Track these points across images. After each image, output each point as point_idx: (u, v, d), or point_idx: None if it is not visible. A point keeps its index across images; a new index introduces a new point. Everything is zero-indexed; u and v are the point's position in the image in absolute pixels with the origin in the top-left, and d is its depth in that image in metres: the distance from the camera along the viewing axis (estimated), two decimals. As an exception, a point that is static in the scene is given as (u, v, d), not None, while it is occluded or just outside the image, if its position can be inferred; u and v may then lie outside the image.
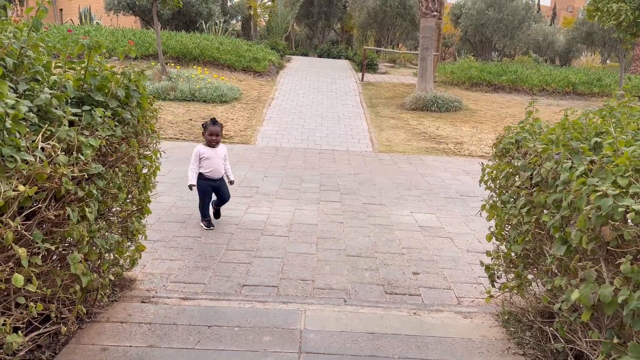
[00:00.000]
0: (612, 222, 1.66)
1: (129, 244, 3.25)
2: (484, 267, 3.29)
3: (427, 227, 5.06)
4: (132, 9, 23.76)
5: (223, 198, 4.69)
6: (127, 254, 3.25)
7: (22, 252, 1.80)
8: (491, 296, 3.03)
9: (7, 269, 1.75)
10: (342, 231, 4.79)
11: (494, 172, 3.05)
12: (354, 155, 8.75)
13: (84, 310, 2.54)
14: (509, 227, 2.82)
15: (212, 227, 4.57)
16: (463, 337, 3.02)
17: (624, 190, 1.66)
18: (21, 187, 1.72)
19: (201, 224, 4.64)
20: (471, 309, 3.40)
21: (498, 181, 2.95)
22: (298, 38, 37.33)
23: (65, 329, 2.58)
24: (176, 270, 3.72)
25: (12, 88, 2.00)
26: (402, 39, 30.59)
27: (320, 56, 26.80)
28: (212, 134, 4.49)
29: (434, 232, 4.92)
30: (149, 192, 3.35)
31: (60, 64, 2.65)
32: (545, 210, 2.31)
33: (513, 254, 2.83)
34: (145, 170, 3.25)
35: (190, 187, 4.50)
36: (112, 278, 2.82)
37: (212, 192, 4.61)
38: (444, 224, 5.18)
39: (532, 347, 2.88)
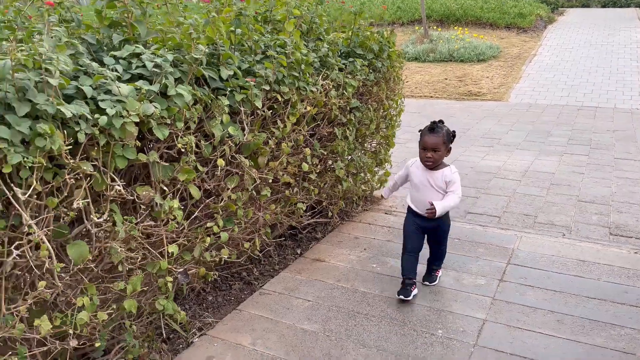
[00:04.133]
0: None
1: (377, 169, 4.17)
2: None
3: (687, 184, 4.63)
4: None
5: (433, 250, 2.96)
6: (376, 177, 4.20)
7: (307, 151, 2.83)
8: None
9: (299, 160, 2.80)
10: (580, 180, 4.81)
11: None
12: (621, 113, 8.00)
13: (343, 204, 3.55)
14: None
15: (400, 296, 2.73)
16: (685, 278, 3.00)
17: None
18: (309, 108, 2.71)
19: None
20: None
21: None
22: (585, -12, 33.04)
23: (332, 220, 3.68)
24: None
25: (305, 45, 3.03)
26: None
27: (604, 6, 23.52)
28: (425, 147, 2.64)
29: (695, 190, 4.49)
30: (394, 129, 4.18)
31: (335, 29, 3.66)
32: None
33: None
34: (392, 111, 4.09)
35: (381, 196, 3.40)
36: (364, 188, 3.77)
37: (421, 234, 2.84)
38: None
39: None
